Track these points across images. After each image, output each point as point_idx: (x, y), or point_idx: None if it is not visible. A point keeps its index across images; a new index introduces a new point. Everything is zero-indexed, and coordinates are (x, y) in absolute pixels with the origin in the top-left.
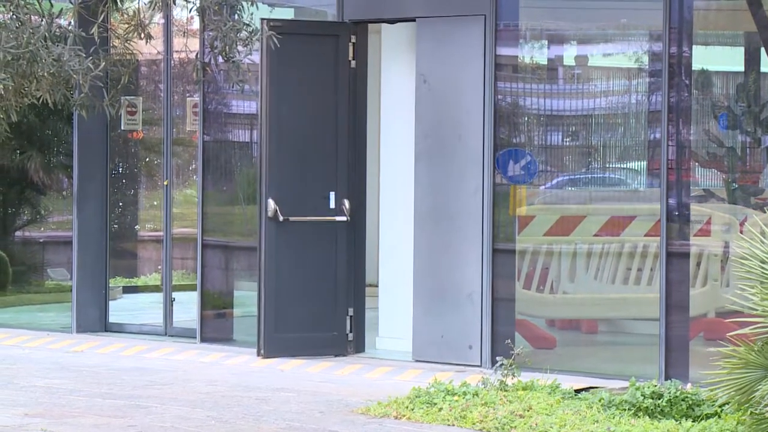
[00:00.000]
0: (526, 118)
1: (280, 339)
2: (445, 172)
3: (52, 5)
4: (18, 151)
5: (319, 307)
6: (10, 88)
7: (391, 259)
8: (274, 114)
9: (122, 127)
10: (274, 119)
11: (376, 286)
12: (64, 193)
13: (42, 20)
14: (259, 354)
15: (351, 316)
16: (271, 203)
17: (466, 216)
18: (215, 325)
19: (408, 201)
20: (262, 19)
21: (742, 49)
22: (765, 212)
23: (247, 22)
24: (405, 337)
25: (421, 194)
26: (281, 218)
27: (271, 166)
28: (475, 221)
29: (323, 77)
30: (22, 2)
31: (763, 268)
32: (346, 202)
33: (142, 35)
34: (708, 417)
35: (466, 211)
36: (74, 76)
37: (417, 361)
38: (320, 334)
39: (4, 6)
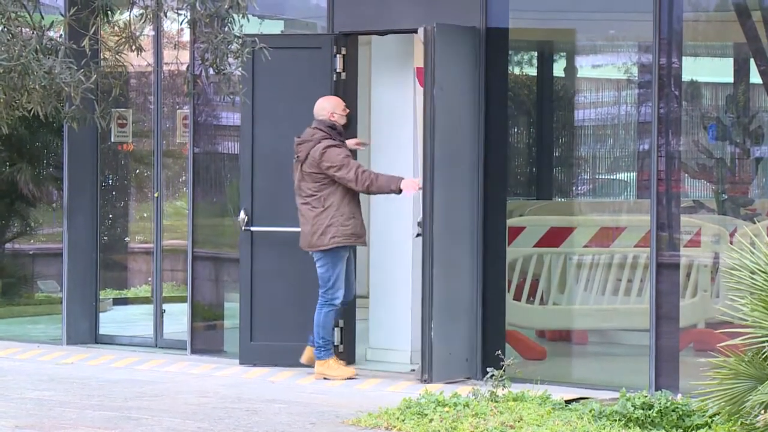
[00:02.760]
0: (515, 129)
1: (255, 347)
2: (452, 184)
3: (43, 18)
4: (8, 164)
5: (301, 317)
6: (2, 100)
7: (382, 270)
8: (251, 126)
9: (112, 140)
10: (250, 132)
11: (366, 297)
12: (54, 205)
13: (33, 33)
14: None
15: (341, 328)
16: (242, 214)
17: (462, 227)
18: (206, 337)
19: (398, 212)
20: (244, 35)
21: (731, 60)
22: (755, 223)
23: (238, 35)
24: (397, 348)
25: (439, 207)
26: (243, 228)
27: (245, 178)
28: (468, 232)
29: (309, 89)
30: (14, 15)
31: (753, 278)
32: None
33: (133, 47)
34: (698, 427)
35: (462, 223)
36: (65, 88)
37: (426, 381)
38: (303, 344)
39: None
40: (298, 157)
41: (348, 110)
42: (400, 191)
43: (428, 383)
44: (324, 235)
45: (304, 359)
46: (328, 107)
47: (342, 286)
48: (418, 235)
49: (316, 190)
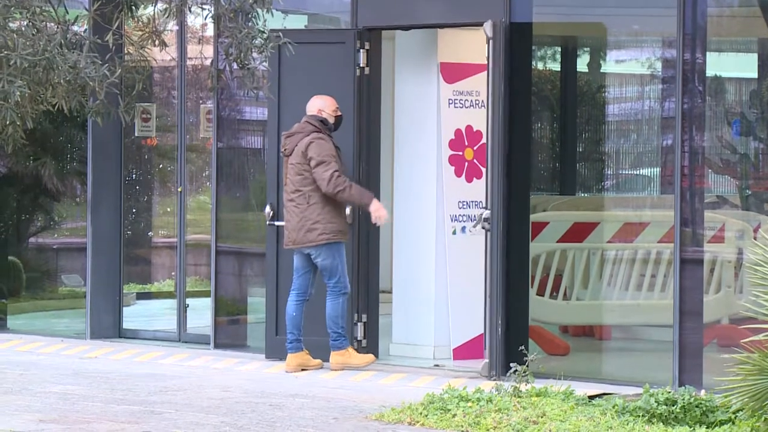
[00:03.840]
0: (538, 125)
1: (281, 342)
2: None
3: (67, 12)
4: (32, 158)
5: (322, 312)
6: (27, 95)
7: (406, 266)
8: (276, 121)
9: (136, 134)
10: (275, 126)
11: (390, 292)
12: (78, 199)
13: (58, 27)
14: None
15: (364, 323)
16: (267, 209)
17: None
18: (229, 332)
19: (422, 208)
20: (268, 30)
21: (755, 56)
22: None
23: (262, 29)
24: (420, 344)
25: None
26: (268, 223)
27: (270, 173)
28: (491, 227)
29: (333, 84)
30: (38, 9)
31: None
32: (347, 209)
33: (157, 42)
34: (722, 423)
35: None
36: (90, 83)
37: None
38: (324, 338)
39: (21, 13)
40: (284, 151)
41: (340, 113)
42: (368, 208)
43: (495, 380)
44: (310, 232)
45: (289, 368)
46: (318, 104)
47: (346, 273)
48: (483, 228)
49: (300, 185)
